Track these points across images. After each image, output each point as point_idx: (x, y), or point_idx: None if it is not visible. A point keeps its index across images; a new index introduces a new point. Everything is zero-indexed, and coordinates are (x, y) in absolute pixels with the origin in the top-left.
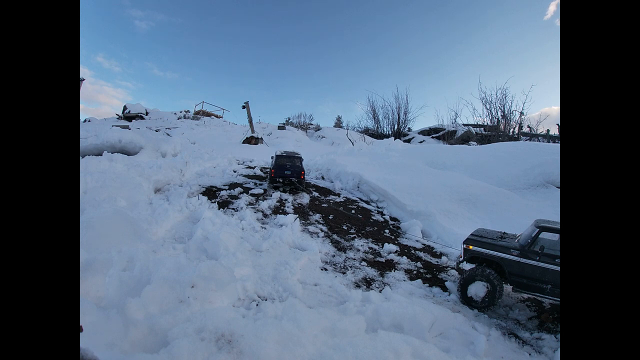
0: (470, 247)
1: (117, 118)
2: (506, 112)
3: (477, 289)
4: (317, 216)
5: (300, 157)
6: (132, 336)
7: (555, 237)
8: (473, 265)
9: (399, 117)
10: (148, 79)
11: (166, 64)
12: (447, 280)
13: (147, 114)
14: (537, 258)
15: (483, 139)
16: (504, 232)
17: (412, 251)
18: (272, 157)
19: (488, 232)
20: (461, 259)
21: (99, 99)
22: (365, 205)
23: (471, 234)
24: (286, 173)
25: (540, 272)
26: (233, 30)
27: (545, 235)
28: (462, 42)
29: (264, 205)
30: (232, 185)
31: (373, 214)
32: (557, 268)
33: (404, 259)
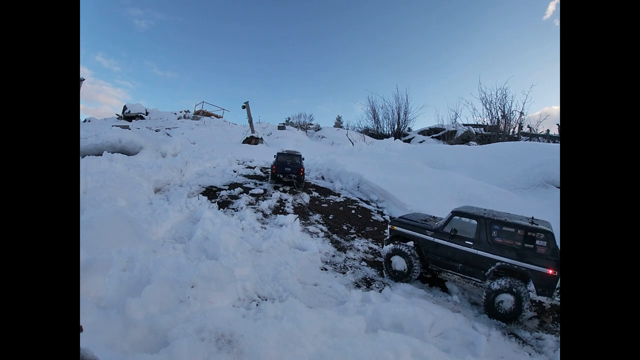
0: (395, 227)
1: (117, 118)
2: (506, 112)
3: (397, 262)
4: (317, 216)
5: (300, 155)
6: (132, 336)
7: (472, 223)
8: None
9: (399, 117)
10: (147, 78)
11: (166, 63)
12: (447, 281)
13: (147, 114)
14: (449, 239)
15: (483, 139)
16: (433, 217)
17: None
18: (274, 156)
19: (417, 215)
20: (386, 238)
21: (99, 98)
22: (365, 205)
23: (400, 216)
24: (286, 169)
25: (451, 252)
26: (233, 30)
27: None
28: (462, 42)
29: (264, 205)
30: (232, 185)
31: (373, 214)
32: (466, 249)
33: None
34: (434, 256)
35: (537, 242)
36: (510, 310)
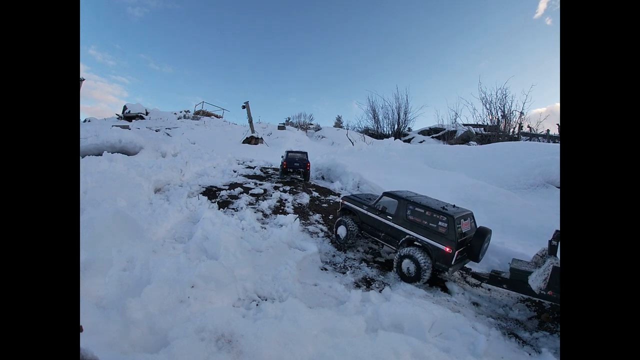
0: (344, 202)
1: (117, 118)
2: (506, 112)
3: (340, 230)
4: (317, 216)
5: (307, 153)
6: (132, 336)
7: (395, 202)
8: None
9: (399, 117)
10: (144, 73)
11: (162, 56)
12: (447, 281)
13: (147, 113)
14: (377, 213)
15: (483, 139)
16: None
17: None
18: (282, 156)
19: (367, 195)
20: (338, 210)
21: (94, 95)
22: None
23: (351, 194)
24: (295, 165)
25: (377, 223)
26: (232, 18)
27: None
28: (463, 44)
29: (264, 205)
30: (232, 185)
31: None
32: (387, 222)
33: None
34: (366, 226)
35: (440, 223)
36: (413, 273)
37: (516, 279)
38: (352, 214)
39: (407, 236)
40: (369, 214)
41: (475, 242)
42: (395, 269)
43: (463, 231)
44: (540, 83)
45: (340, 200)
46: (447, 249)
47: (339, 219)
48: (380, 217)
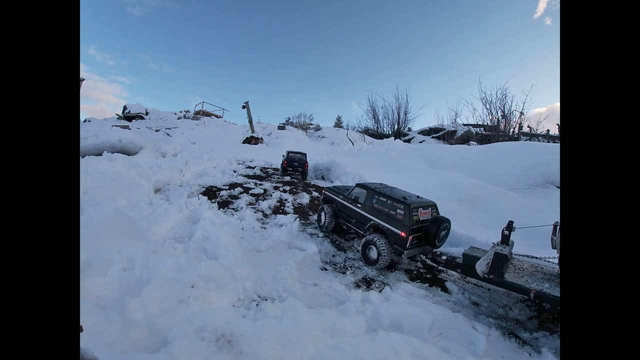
0: (325, 192)
1: (117, 118)
2: (506, 112)
3: (321, 216)
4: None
5: (305, 154)
6: (132, 336)
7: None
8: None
9: (399, 117)
10: (143, 73)
11: (162, 55)
12: (447, 281)
13: (147, 113)
14: (350, 202)
15: (483, 139)
16: None
17: None
18: (283, 155)
19: (346, 187)
20: (321, 199)
21: (94, 95)
22: None
23: (332, 185)
24: (295, 164)
25: (350, 211)
26: (231, 18)
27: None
28: (463, 44)
29: (264, 205)
30: (232, 185)
31: None
32: (357, 210)
33: (404, 259)
34: (342, 213)
35: (398, 210)
36: (374, 257)
37: (467, 263)
38: (332, 202)
39: (372, 222)
40: (344, 202)
41: (430, 229)
42: (360, 252)
43: (420, 219)
44: (540, 83)
45: (323, 191)
46: (403, 234)
47: (320, 206)
48: (352, 205)
